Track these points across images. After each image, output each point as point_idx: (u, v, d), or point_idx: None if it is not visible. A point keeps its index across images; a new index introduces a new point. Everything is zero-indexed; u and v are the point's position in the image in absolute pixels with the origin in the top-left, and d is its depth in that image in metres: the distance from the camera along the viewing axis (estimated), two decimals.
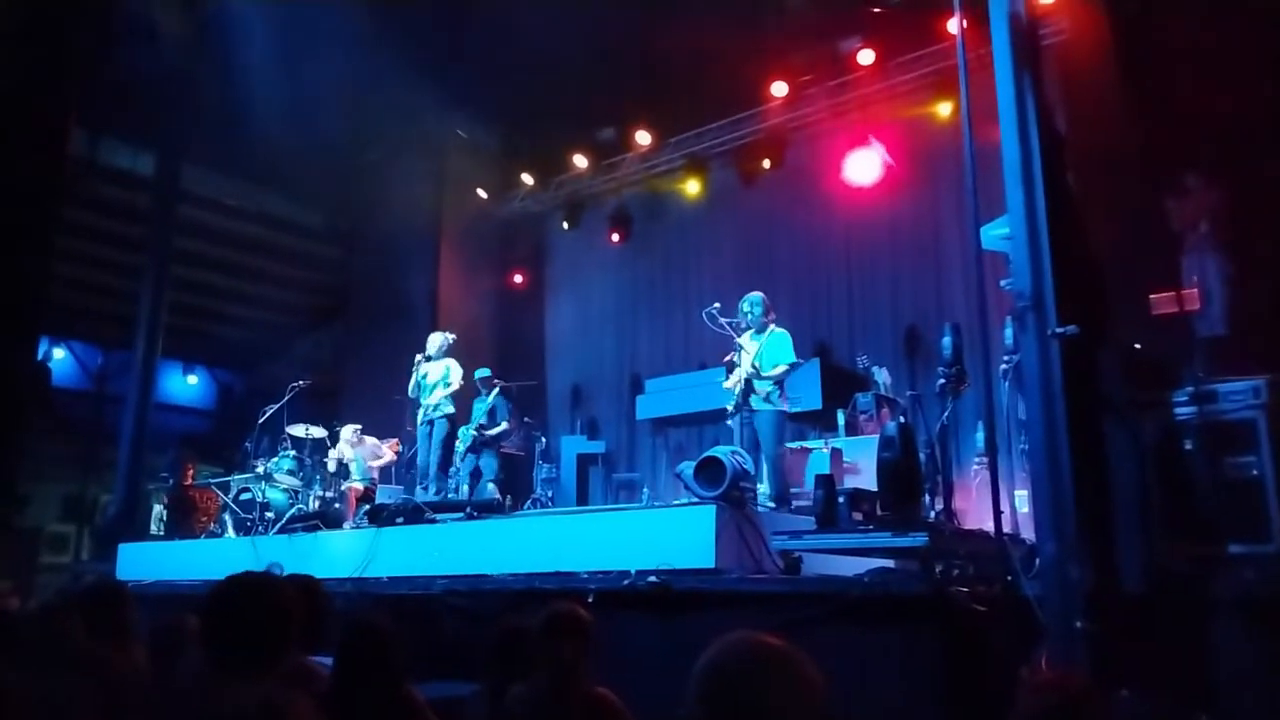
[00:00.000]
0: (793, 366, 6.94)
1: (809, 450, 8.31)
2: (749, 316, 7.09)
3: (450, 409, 8.50)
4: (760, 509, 6.02)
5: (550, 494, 10.64)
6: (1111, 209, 5.75)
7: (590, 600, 5.08)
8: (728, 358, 7.27)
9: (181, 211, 11.99)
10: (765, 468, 6.82)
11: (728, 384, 7.02)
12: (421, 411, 8.61)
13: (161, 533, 10.71)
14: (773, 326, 7.06)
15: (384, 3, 9.37)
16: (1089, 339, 4.73)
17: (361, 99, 10.36)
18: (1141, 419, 4.87)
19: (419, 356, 8.63)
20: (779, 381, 6.84)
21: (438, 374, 8.54)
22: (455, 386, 8.54)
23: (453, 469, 8.91)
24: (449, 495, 8.39)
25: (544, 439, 11.12)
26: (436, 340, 8.75)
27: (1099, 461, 4.67)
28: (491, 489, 8.90)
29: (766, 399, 6.79)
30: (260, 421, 9.45)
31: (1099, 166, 5.82)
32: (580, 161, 12.41)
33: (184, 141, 11.51)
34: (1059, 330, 4.67)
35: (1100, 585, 4.34)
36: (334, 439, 9.77)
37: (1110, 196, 5.80)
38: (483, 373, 9.49)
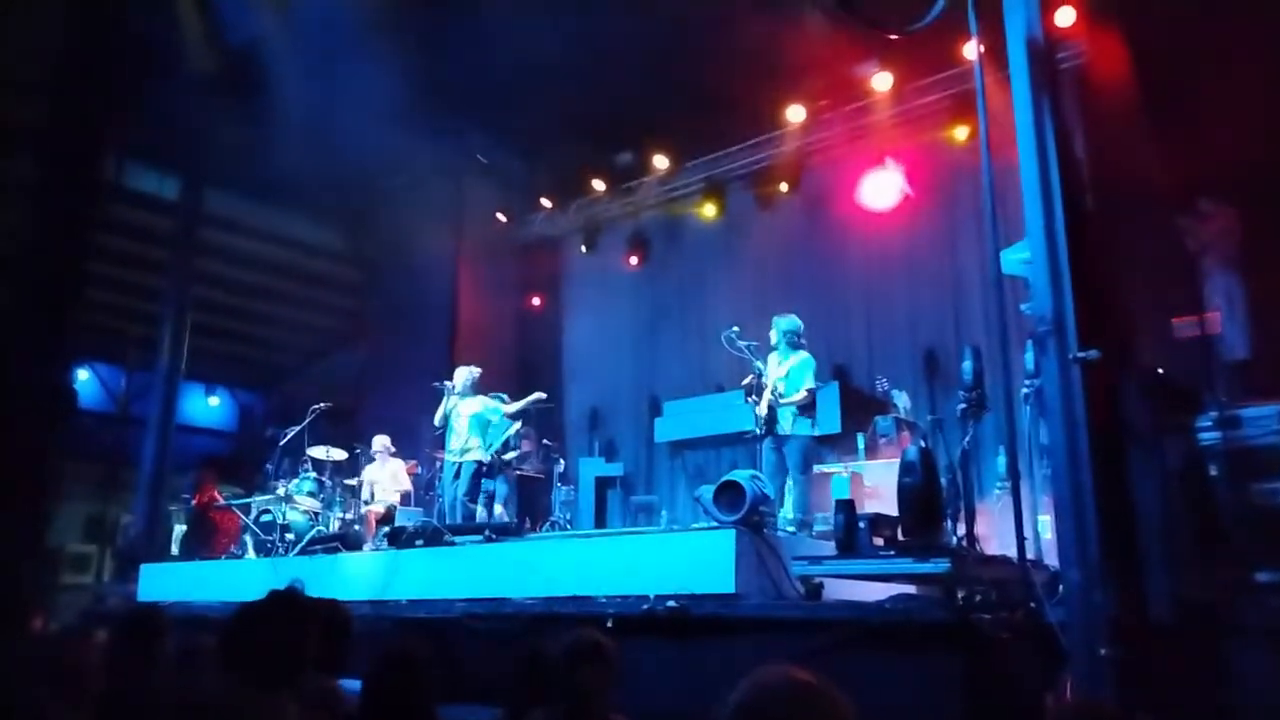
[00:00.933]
0: (810, 393, 6.97)
1: (828, 474, 8.27)
2: (787, 336, 7.14)
3: (483, 457, 8.52)
4: (780, 533, 6.00)
5: (568, 516, 10.62)
6: (1132, 232, 5.74)
7: (609, 625, 5.07)
8: (746, 380, 7.30)
9: (204, 235, 12.17)
10: (793, 492, 6.84)
11: (759, 409, 7.02)
12: (451, 452, 8.63)
13: (181, 553, 10.78)
14: (802, 353, 7.13)
15: (404, 29, 9.47)
16: (1111, 363, 4.71)
17: (382, 123, 10.47)
18: (1165, 444, 4.83)
19: (448, 385, 8.65)
20: (803, 406, 6.89)
21: (471, 413, 8.54)
22: (496, 430, 8.57)
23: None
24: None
25: (562, 461, 11.12)
26: (463, 376, 8.74)
27: (1122, 487, 4.63)
28: (500, 513, 8.92)
29: (795, 423, 6.83)
30: (281, 443, 9.50)
31: (1119, 189, 5.80)
32: (598, 185, 12.48)
33: (207, 166, 11.68)
34: (1080, 354, 4.64)
35: (1125, 612, 4.30)
36: (355, 461, 9.80)
37: (1131, 219, 5.78)
38: (499, 399, 9.52)
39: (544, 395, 9.37)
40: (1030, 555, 4.95)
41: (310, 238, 14.40)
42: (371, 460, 9.71)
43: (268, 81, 9.67)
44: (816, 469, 8.30)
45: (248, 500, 9.94)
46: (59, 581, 13.54)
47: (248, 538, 9.39)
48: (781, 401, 6.92)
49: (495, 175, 12.99)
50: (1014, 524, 4.71)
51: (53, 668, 2.34)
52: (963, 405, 5.30)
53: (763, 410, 7.01)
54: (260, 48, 9.66)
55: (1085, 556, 4.41)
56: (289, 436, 9.46)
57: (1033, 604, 4.42)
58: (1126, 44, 6.19)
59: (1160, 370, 5.30)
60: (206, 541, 10.29)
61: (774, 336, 7.24)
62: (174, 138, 10.95)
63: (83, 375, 15.02)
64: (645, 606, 5.20)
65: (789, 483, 6.89)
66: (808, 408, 6.99)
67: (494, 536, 7.30)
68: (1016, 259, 5.35)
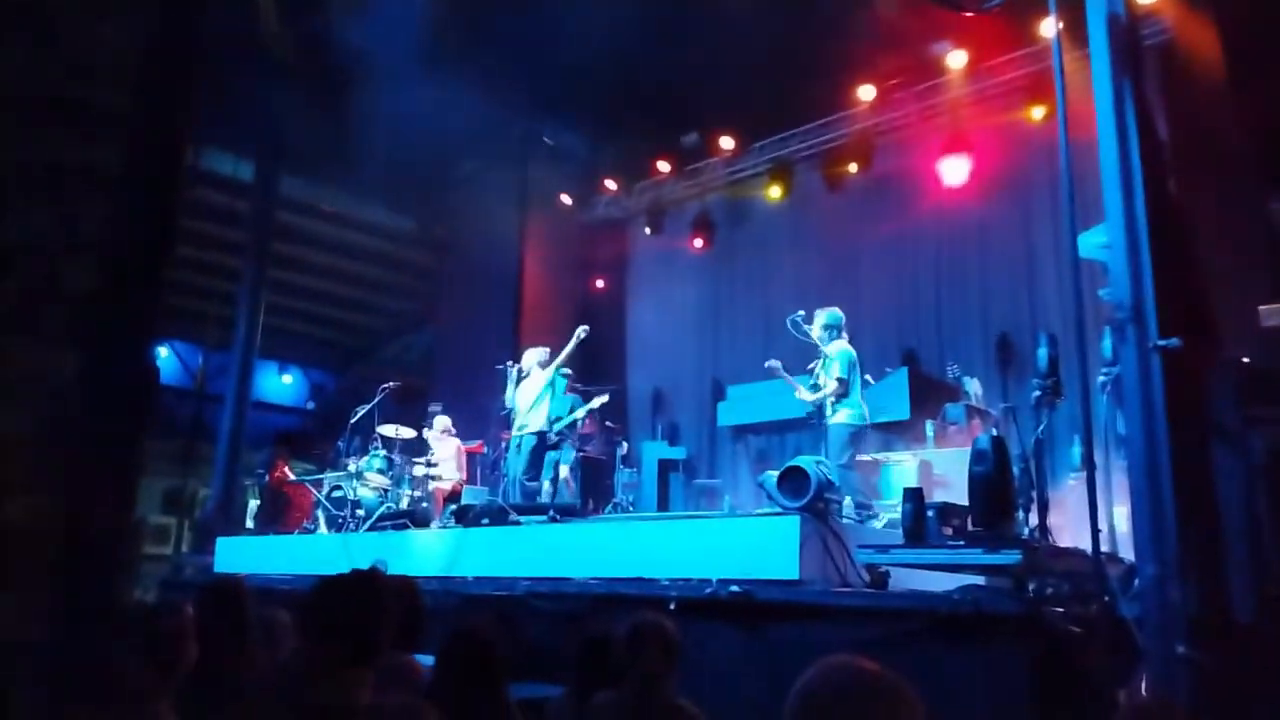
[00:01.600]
0: (842, 383, 6.99)
1: (879, 462, 8.19)
2: (825, 331, 7.20)
3: (544, 427, 8.58)
4: (845, 521, 5.95)
5: (631, 499, 10.67)
6: (1217, 216, 5.52)
7: (671, 607, 5.08)
8: (812, 365, 7.27)
9: (280, 217, 12.45)
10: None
11: (809, 397, 7.11)
12: (517, 429, 8.73)
13: (255, 527, 11.11)
14: (839, 344, 7.13)
15: (471, 14, 9.54)
16: (1193, 352, 4.55)
17: (451, 108, 10.57)
18: (1250, 437, 4.65)
19: (513, 367, 8.72)
20: (840, 396, 6.91)
21: (532, 387, 8.61)
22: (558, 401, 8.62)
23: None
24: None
25: (625, 444, 11.17)
26: (532, 358, 8.76)
27: (1204, 480, 4.48)
28: (565, 476, 8.97)
29: (832, 412, 6.97)
30: (352, 421, 9.71)
31: (1204, 172, 5.59)
32: (663, 167, 12.44)
33: (283, 150, 11.94)
34: (1160, 343, 4.50)
35: (1205, 610, 4.17)
36: (423, 440, 9.98)
37: (1216, 203, 5.57)
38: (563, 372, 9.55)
39: (605, 398, 9.42)
40: (1105, 548, 4.84)
41: (381, 221, 14.67)
42: (430, 429, 9.89)
43: (340, 68, 9.83)
44: (882, 455, 8.22)
45: (320, 476, 10.19)
46: (140, 552, 14.06)
47: (320, 513, 9.62)
48: (817, 394, 7.03)
49: (561, 158, 13.04)
50: (1089, 516, 4.59)
51: (146, 638, 2.42)
52: (1037, 393, 5.18)
53: (806, 399, 7.16)
54: (332, 35, 9.82)
55: (1163, 551, 4.29)
56: (360, 414, 9.66)
57: (1107, 598, 4.31)
58: (1214, 20, 5.94)
59: (1245, 360, 5.10)
60: (280, 516, 10.59)
61: (816, 331, 7.26)
62: (251, 122, 11.20)
63: (162, 352, 15.53)
64: (708, 590, 5.19)
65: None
66: (842, 397, 7.00)
67: (558, 517, 7.37)
68: (1094, 243, 5.20)
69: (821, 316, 7.35)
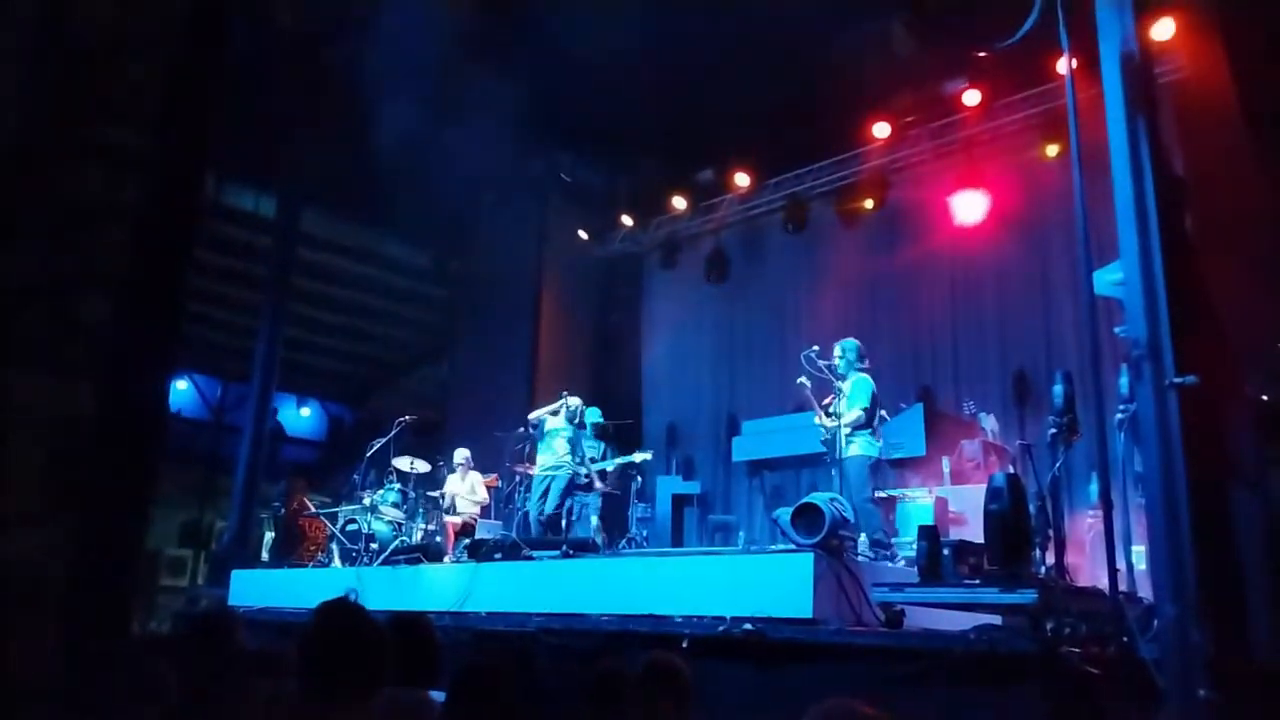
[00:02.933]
0: (866, 412, 6.94)
1: (896, 499, 8.11)
2: (842, 362, 7.16)
3: (575, 469, 8.63)
4: (860, 558, 5.90)
5: (645, 534, 10.61)
6: (1235, 254, 5.50)
7: (684, 645, 5.04)
8: (827, 401, 7.25)
9: (300, 252, 12.60)
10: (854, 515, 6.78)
11: (830, 423, 7.06)
12: (542, 468, 8.77)
13: (270, 559, 11.11)
14: (859, 373, 7.10)
15: (489, 50, 9.68)
16: (1211, 390, 4.51)
17: (469, 143, 10.71)
18: (1270, 475, 4.60)
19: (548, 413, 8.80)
20: (861, 426, 6.85)
21: (562, 428, 8.66)
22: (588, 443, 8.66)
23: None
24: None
25: (640, 478, 11.13)
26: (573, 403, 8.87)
27: (1223, 520, 4.42)
28: (596, 523, 8.97)
29: (850, 444, 6.90)
30: (368, 454, 9.74)
31: (1219, 208, 5.58)
32: (679, 203, 12.52)
33: (303, 185, 12.11)
34: (1177, 379, 4.47)
35: (1226, 652, 4.09)
36: (438, 473, 9.98)
37: (1233, 241, 5.55)
38: (594, 415, 9.59)
39: (649, 455, 9.52)
40: (1123, 588, 4.77)
41: (400, 256, 14.81)
42: (452, 472, 9.88)
43: (360, 106, 9.99)
44: (899, 492, 8.16)
45: (335, 509, 10.20)
46: (157, 583, 14.10)
47: (334, 546, 9.63)
48: (838, 423, 6.94)
49: (578, 193, 13.15)
50: (1106, 554, 4.53)
51: (133, 672, 2.42)
52: (1053, 430, 5.14)
53: (825, 424, 7.14)
54: (351, 71, 9.99)
55: (1182, 591, 4.22)
56: (376, 447, 9.69)
57: (1125, 639, 4.25)
58: (1229, 58, 5.95)
59: (1265, 398, 5.06)
60: (294, 549, 10.60)
61: (836, 361, 7.24)
62: (272, 158, 11.38)
63: (181, 385, 15.66)
64: (721, 628, 5.16)
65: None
66: (863, 427, 6.94)
67: (571, 552, 7.34)
68: (1110, 280, 5.18)
69: (840, 347, 7.34)
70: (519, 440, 9.97)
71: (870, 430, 7.07)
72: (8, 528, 1.22)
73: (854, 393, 7.06)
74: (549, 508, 8.51)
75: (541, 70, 9.86)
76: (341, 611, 2.46)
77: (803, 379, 7.21)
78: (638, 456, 8.99)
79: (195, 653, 2.89)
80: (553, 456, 8.68)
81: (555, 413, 8.89)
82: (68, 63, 1.35)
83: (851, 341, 7.34)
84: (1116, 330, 5.21)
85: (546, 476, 8.69)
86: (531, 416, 9.17)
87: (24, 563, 1.22)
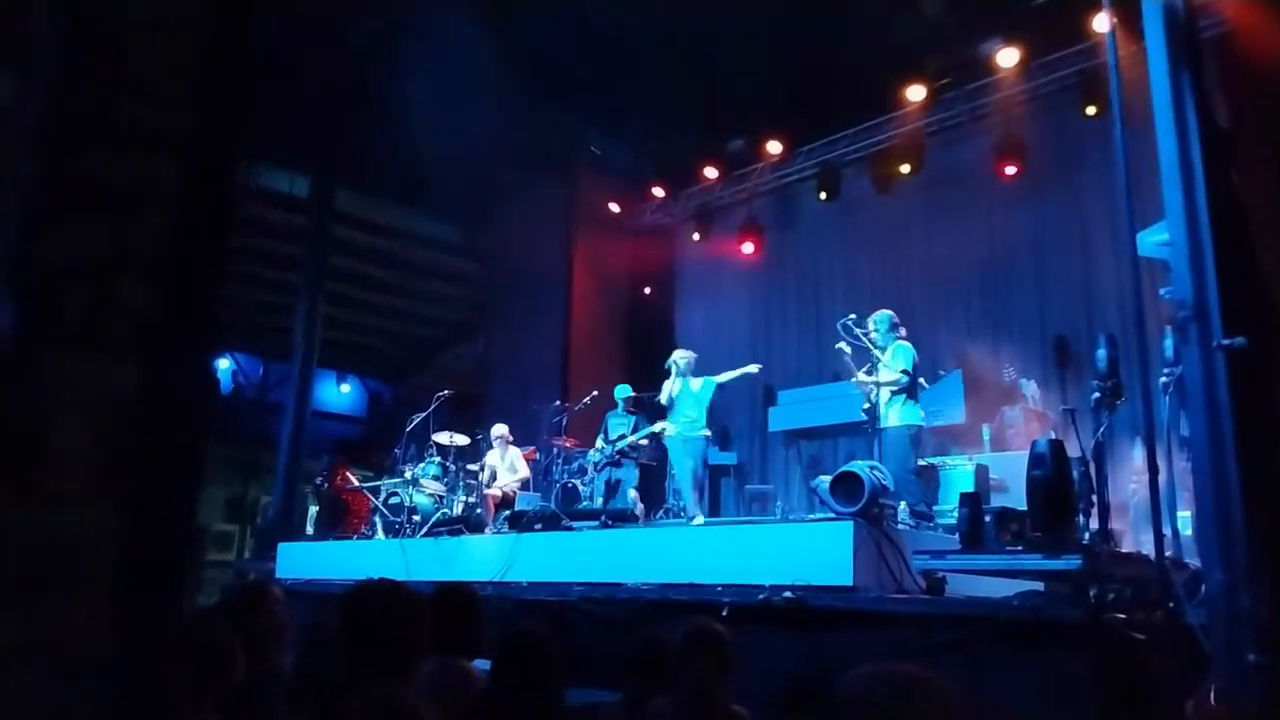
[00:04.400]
0: (907, 374, 6.84)
1: (937, 468, 8.03)
2: (876, 334, 7.08)
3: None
4: (900, 526, 5.87)
5: (683, 504, 10.64)
6: None
7: (725, 614, 5.06)
8: (864, 369, 7.19)
9: (335, 231, 12.69)
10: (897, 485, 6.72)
11: (866, 379, 6.98)
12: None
13: (315, 533, 11.31)
14: (898, 340, 7.01)
15: (517, 23, 9.63)
16: (1259, 351, 4.41)
17: (499, 119, 10.69)
18: None
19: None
20: (902, 391, 6.77)
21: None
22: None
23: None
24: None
25: None
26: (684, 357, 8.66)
27: (1272, 483, 4.34)
28: (633, 496, 9.00)
29: (889, 413, 6.81)
30: (408, 429, 9.85)
31: (1269, 166, 5.43)
32: (711, 173, 12.43)
33: (337, 166, 12.18)
34: (1225, 341, 4.37)
35: (1276, 616, 4.03)
36: (477, 446, 10.06)
37: None
38: (624, 391, 9.59)
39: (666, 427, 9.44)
40: (1169, 553, 4.71)
41: (432, 232, 14.88)
42: (491, 447, 9.96)
43: (390, 84, 10.00)
44: (939, 460, 8.09)
45: (377, 483, 10.34)
46: (204, 558, 14.42)
47: (377, 519, 9.77)
48: (878, 384, 6.85)
49: (608, 166, 13.10)
50: (1152, 519, 4.47)
51: (192, 647, 2.46)
52: (1096, 395, 5.06)
53: (864, 381, 7.03)
54: (381, 51, 10.00)
55: (1230, 555, 4.16)
56: (415, 422, 9.79)
57: (1171, 604, 4.20)
58: (1274, 10, 5.76)
59: None
60: (339, 522, 10.77)
61: (873, 333, 7.14)
62: (305, 139, 11.44)
63: (223, 364, 15.91)
64: (761, 596, 5.17)
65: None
66: (902, 391, 6.85)
67: (610, 523, 7.39)
68: (1154, 241, 5.08)
69: (873, 320, 7.24)
70: (555, 413, 10.03)
71: (911, 397, 6.96)
72: (60, 506, 1.24)
73: (894, 358, 6.97)
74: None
75: (569, 42, 9.81)
76: (378, 588, 2.49)
77: (842, 344, 7.12)
78: (657, 427, 8.99)
79: (242, 625, 2.94)
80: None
81: None
82: (99, 42, 1.35)
83: (884, 313, 7.23)
84: (1162, 292, 5.10)
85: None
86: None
87: (76, 540, 1.24)
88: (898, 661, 1.45)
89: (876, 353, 7.05)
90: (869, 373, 7.06)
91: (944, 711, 1.39)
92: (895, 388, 6.90)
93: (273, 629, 3.08)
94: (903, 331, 7.16)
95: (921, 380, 7.34)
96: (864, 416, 7.05)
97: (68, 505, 1.15)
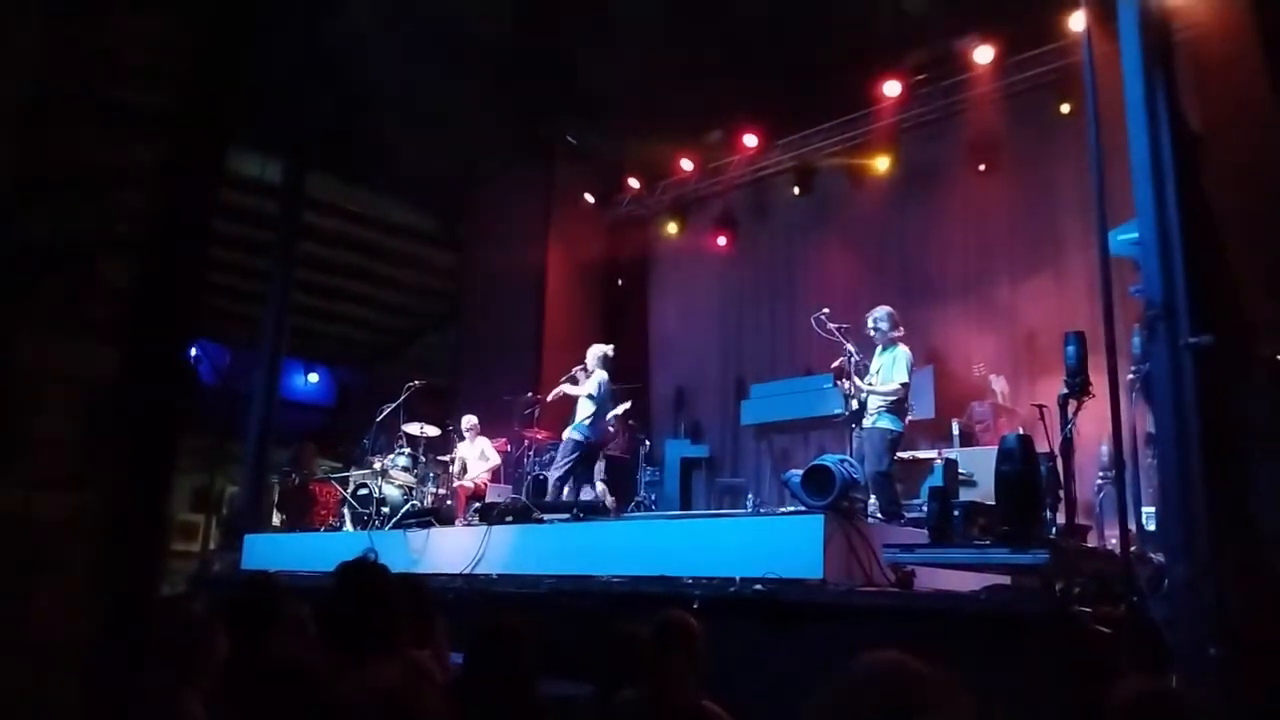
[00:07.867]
0: (904, 388, 6.84)
1: (921, 461, 8.11)
2: (876, 333, 7.04)
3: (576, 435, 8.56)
4: (871, 520, 5.92)
5: (654, 497, 10.67)
6: (1255, 213, 5.44)
7: (695, 606, 5.07)
8: (836, 364, 7.21)
9: (306, 217, 12.54)
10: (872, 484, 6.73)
11: (845, 389, 6.97)
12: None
13: (281, 524, 11.19)
14: (897, 344, 6.98)
15: (493, 12, 9.57)
16: (1226, 351, 4.49)
17: (476, 107, 10.61)
18: None
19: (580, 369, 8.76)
20: (894, 399, 6.77)
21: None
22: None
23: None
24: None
25: (648, 442, 11.17)
26: (595, 354, 8.79)
27: (1238, 482, 4.42)
28: (601, 487, 9.00)
29: (876, 416, 6.75)
30: (378, 420, 9.77)
31: (1240, 168, 5.50)
32: (687, 165, 12.43)
33: (310, 151, 12.03)
34: (1192, 340, 4.45)
35: (1237, 610, 4.11)
36: (448, 438, 10.01)
37: (1254, 199, 5.48)
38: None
39: (628, 405, 9.49)
40: (1134, 547, 4.79)
41: (406, 220, 14.74)
42: (462, 439, 9.92)
43: (365, 69, 9.89)
44: (910, 454, 8.16)
45: (345, 474, 10.26)
46: (169, 548, 14.23)
47: (345, 510, 9.69)
48: (874, 392, 6.84)
49: (584, 156, 13.05)
50: (1118, 515, 4.55)
51: (174, 638, 2.43)
52: (1065, 391, 5.13)
53: (847, 390, 6.99)
54: (355, 35, 9.88)
55: (1193, 550, 4.23)
56: (385, 412, 9.72)
57: (1136, 599, 4.27)
58: (1250, 12, 5.84)
59: None
60: (305, 513, 10.67)
61: (872, 332, 7.10)
62: (278, 123, 11.29)
63: (191, 351, 15.68)
64: (732, 589, 5.20)
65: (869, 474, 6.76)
66: (897, 403, 6.83)
67: (582, 515, 7.38)
68: (1125, 239, 5.15)
69: (872, 317, 7.15)
70: (527, 405, 10.02)
71: (902, 406, 6.92)
72: (41, 490, 1.22)
73: (893, 365, 6.88)
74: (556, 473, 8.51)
75: (546, 31, 9.76)
76: (363, 570, 2.48)
77: (844, 356, 7.06)
78: (619, 409, 9.01)
79: (246, 616, 2.93)
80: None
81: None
82: (83, 19, 1.33)
83: (884, 310, 7.16)
84: (1131, 290, 5.18)
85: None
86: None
87: (57, 525, 1.22)
88: (895, 652, 1.45)
89: (849, 345, 7.07)
90: (859, 374, 7.04)
91: (951, 712, 1.38)
92: (892, 399, 6.82)
93: (271, 620, 3.07)
94: (901, 330, 7.15)
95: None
96: (844, 414, 7.04)
97: (50, 489, 1.14)
